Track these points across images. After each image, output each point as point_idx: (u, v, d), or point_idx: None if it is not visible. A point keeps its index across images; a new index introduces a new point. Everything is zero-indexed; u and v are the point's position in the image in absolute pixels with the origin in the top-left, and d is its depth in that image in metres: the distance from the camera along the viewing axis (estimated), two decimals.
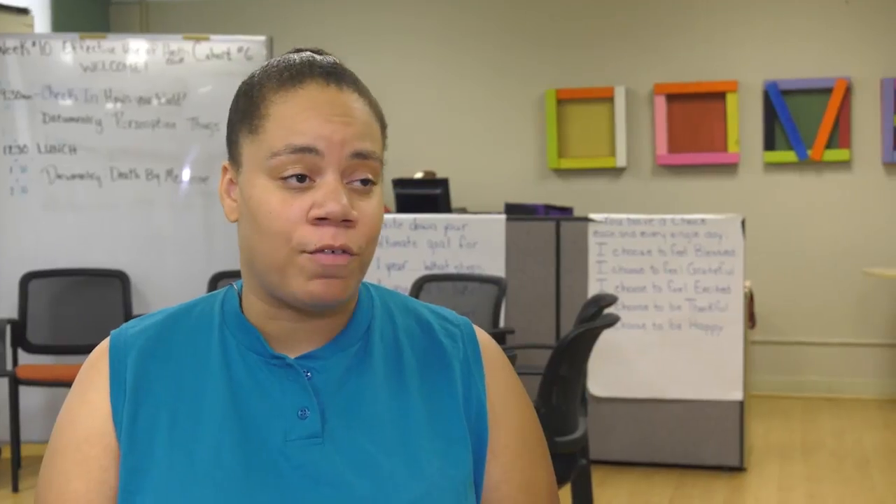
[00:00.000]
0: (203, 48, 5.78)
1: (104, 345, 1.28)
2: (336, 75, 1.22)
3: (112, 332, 1.30)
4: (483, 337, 1.33)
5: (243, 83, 1.26)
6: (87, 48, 5.70)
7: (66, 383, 4.68)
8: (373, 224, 1.20)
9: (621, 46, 7.55)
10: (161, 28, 8.14)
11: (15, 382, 5.13)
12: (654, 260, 5.40)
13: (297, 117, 1.18)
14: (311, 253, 1.17)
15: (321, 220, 1.17)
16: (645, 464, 5.49)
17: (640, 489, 5.15)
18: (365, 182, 1.20)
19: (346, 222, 1.18)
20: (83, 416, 1.24)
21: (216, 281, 5.58)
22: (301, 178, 1.18)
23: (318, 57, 1.25)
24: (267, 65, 1.26)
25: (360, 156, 1.19)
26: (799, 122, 7.26)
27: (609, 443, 5.46)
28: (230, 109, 1.27)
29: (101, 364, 1.27)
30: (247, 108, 1.22)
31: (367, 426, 1.22)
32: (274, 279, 1.19)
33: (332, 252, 1.17)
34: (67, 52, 5.69)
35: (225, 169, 1.26)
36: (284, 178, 1.18)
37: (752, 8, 7.38)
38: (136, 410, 1.23)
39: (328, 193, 1.17)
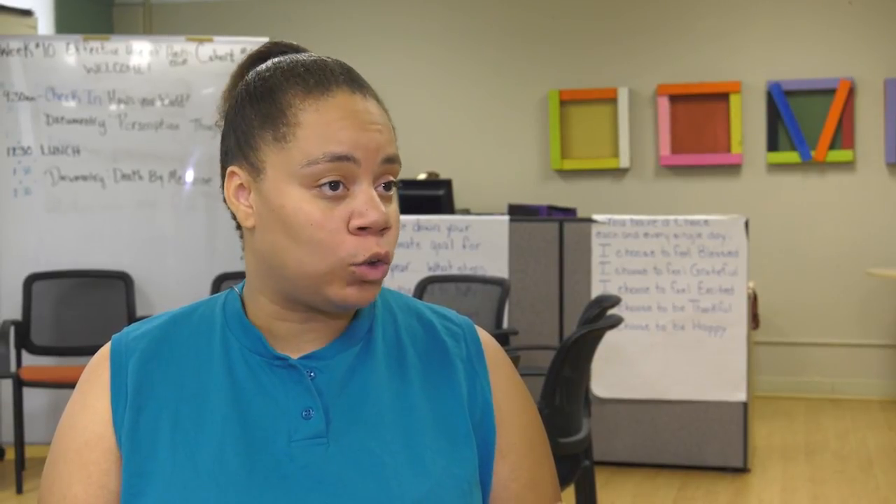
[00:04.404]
0: (206, 49, 5.79)
1: (105, 349, 1.28)
2: (357, 82, 1.23)
3: (113, 336, 1.30)
4: (485, 337, 1.34)
5: (250, 85, 1.24)
6: (91, 50, 5.71)
7: (70, 385, 4.69)
8: (398, 228, 1.23)
9: (624, 47, 7.55)
10: (164, 29, 8.15)
11: (18, 384, 5.13)
12: (657, 261, 5.39)
13: (332, 126, 1.18)
14: (358, 265, 1.19)
15: (362, 230, 1.18)
16: (648, 465, 5.49)
17: (644, 490, 5.15)
18: (387, 187, 1.22)
19: (384, 229, 1.20)
20: (84, 421, 1.25)
21: (219, 282, 5.58)
22: (334, 185, 1.18)
23: (328, 60, 1.25)
24: (274, 67, 1.24)
25: (390, 160, 1.22)
26: (802, 122, 7.26)
27: (612, 444, 5.46)
28: (237, 113, 1.24)
29: (102, 369, 1.27)
30: (269, 113, 1.21)
31: (370, 425, 1.23)
32: (306, 284, 1.20)
33: (376, 263, 1.19)
34: (71, 54, 5.69)
35: (232, 174, 1.24)
36: (319, 187, 1.18)
37: (755, 8, 7.38)
38: (138, 414, 1.23)
39: (368, 202, 1.19)
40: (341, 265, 1.18)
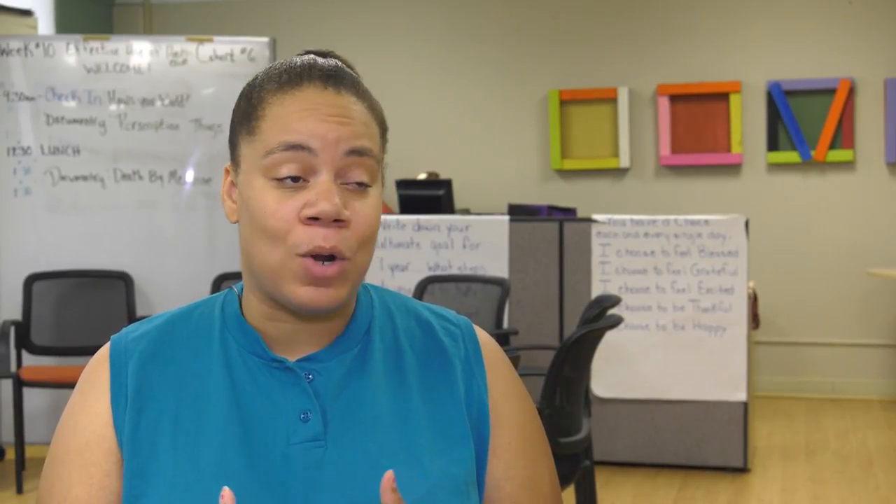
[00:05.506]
0: (206, 49, 5.78)
1: (104, 350, 1.29)
2: (335, 78, 1.22)
3: (112, 337, 1.30)
4: (483, 336, 1.33)
5: (246, 86, 1.27)
6: (91, 50, 5.70)
7: (70, 385, 4.69)
8: (367, 225, 1.20)
9: (624, 47, 7.55)
10: (164, 29, 8.15)
11: (19, 384, 5.13)
12: (657, 261, 5.39)
13: (291, 116, 1.19)
14: (302, 256, 1.17)
15: (313, 220, 1.17)
16: (648, 465, 5.49)
17: (644, 490, 5.15)
18: (360, 184, 1.20)
19: (338, 222, 1.18)
20: (84, 422, 1.25)
21: (219, 282, 5.58)
22: (295, 178, 1.18)
23: (319, 60, 1.25)
24: (270, 67, 1.27)
25: (356, 153, 1.20)
26: (802, 122, 7.26)
27: (613, 444, 5.46)
28: (232, 112, 1.28)
29: (102, 370, 1.27)
30: (246, 110, 1.24)
31: (368, 428, 1.23)
32: (269, 281, 1.20)
33: (322, 260, 1.17)
34: (71, 54, 5.69)
35: (227, 171, 1.27)
36: (280, 179, 1.18)
37: (755, 8, 7.38)
38: (139, 415, 1.23)
39: (321, 192, 1.17)
40: (289, 255, 1.17)
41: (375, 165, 1.22)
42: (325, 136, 1.18)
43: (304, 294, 1.18)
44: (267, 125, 1.20)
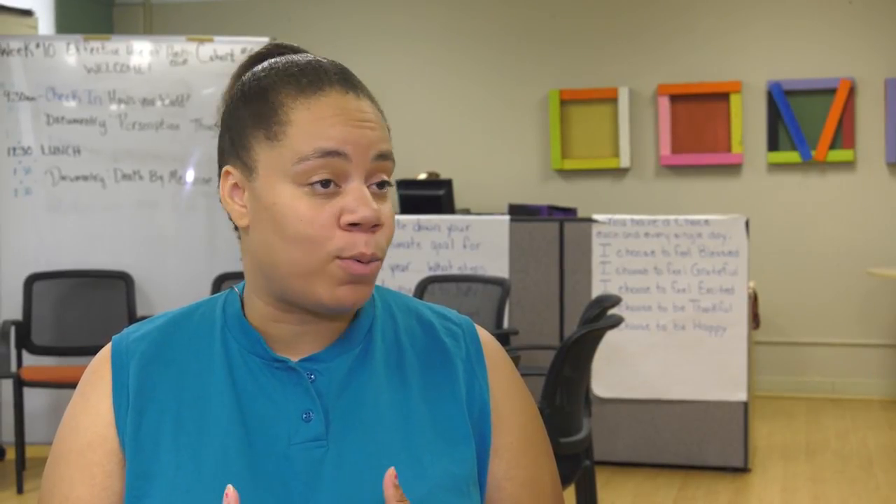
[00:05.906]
0: (206, 49, 5.79)
1: (106, 351, 1.28)
2: (351, 83, 1.23)
3: (114, 337, 1.29)
4: (485, 336, 1.33)
5: (246, 85, 1.25)
6: (91, 50, 5.71)
7: (71, 385, 4.69)
8: (392, 226, 1.23)
9: (625, 47, 7.55)
10: (164, 29, 8.15)
11: (19, 384, 5.14)
12: (657, 261, 5.40)
13: (323, 122, 1.18)
14: (344, 259, 1.18)
15: (353, 226, 1.18)
16: (649, 465, 5.49)
17: (644, 490, 5.15)
18: (381, 185, 1.22)
19: (374, 227, 1.19)
20: (86, 423, 1.24)
21: (220, 282, 5.59)
22: (326, 183, 1.18)
23: (323, 61, 1.25)
24: (270, 66, 1.25)
25: (382, 157, 1.21)
26: (802, 122, 7.26)
27: (613, 444, 5.46)
28: (231, 113, 1.25)
29: (103, 370, 1.27)
30: (262, 112, 1.21)
31: (370, 428, 1.23)
32: (298, 285, 1.19)
33: (364, 261, 1.19)
34: (71, 54, 5.69)
35: (227, 173, 1.24)
36: (311, 184, 1.18)
37: (755, 8, 7.38)
38: (140, 415, 1.23)
39: (359, 199, 1.18)
40: (328, 259, 1.18)
41: (393, 167, 1.24)
42: (357, 143, 1.19)
43: (342, 293, 1.19)
44: (295, 131, 1.19)
